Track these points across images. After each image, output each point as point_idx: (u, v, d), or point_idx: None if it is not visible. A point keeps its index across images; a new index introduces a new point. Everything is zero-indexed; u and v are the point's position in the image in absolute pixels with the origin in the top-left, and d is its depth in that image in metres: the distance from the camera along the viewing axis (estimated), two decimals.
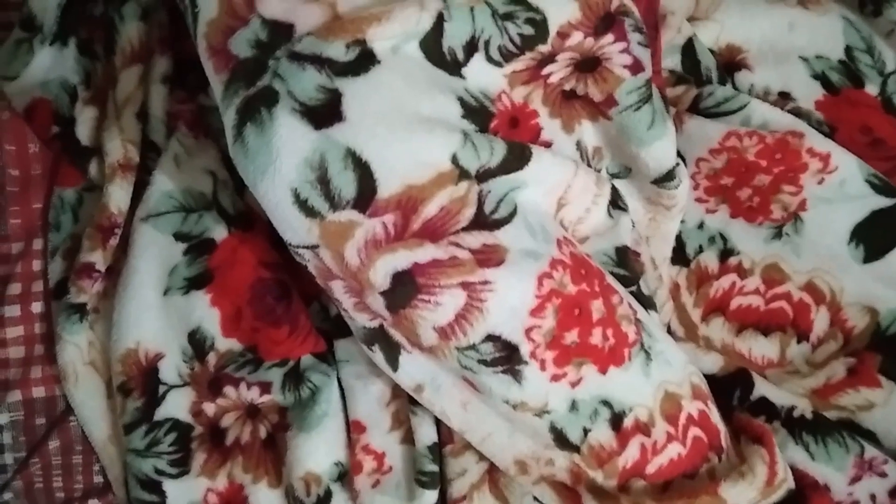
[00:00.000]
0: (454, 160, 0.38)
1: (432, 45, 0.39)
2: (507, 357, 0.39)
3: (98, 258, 0.47)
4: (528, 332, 0.39)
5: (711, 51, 0.55)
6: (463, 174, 0.38)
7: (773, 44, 0.55)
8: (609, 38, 0.42)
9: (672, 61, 0.54)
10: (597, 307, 0.41)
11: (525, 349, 0.39)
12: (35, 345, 0.49)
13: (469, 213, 0.38)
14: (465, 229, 0.38)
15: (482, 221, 0.39)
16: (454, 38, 0.39)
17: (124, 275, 0.47)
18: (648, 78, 0.43)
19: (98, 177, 0.49)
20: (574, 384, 0.40)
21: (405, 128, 0.37)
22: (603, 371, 0.40)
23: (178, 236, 0.47)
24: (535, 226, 0.41)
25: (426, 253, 0.37)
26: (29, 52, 0.50)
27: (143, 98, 0.50)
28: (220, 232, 0.47)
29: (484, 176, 0.39)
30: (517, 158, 0.40)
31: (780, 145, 0.50)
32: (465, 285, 0.38)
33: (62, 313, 0.47)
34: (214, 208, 0.48)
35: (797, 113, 0.52)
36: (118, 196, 0.47)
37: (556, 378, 0.40)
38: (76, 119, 0.50)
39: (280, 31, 0.37)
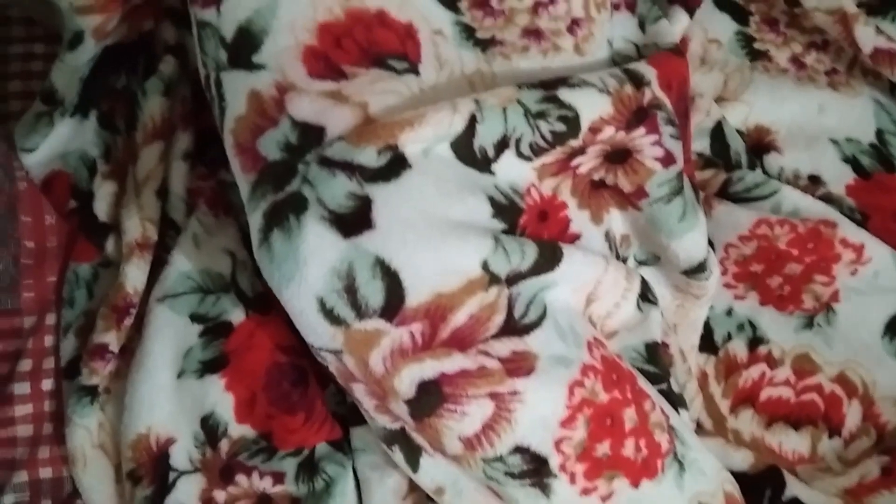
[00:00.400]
0: (485, 266, 0.37)
1: (463, 146, 0.38)
2: (536, 470, 0.37)
3: (112, 339, 0.45)
4: (557, 443, 0.38)
5: (740, 132, 0.54)
6: (493, 280, 0.37)
7: (802, 126, 0.54)
8: (641, 130, 0.41)
9: (701, 144, 0.53)
10: (629, 416, 0.39)
11: (554, 462, 0.37)
12: (44, 423, 0.47)
13: (499, 319, 0.37)
14: (494, 336, 0.37)
15: (512, 327, 0.38)
16: (486, 137, 0.38)
17: (138, 356, 0.45)
18: (680, 170, 0.42)
19: (115, 254, 0.48)
20: (605, 498, 0.38)
21: (435, 235, 0.36)
22: (635, 485, 0.39)
23: (195, 318, 0.46)
24: (566, 327, 0.39)
25: (454, 363, 0.36)
26: (49, 125, 0.49)
27: (164, 174, 0.49)
28: (237, 315, 0.46)
29: (514, 279, 0.38)
30: (548, 260, 0.39)
31: (813, 235, 0.49)
32: (494, 395, 0.37)
33: (73, 395, 0.46)
34: (232, 290, 0.46)
35: (828, 199, 0.51)
36: (134, 276, 0.46)
37: (586, 492, 0.38)
38: (94, 194, 0.49)
39: (310, 134, 0.37)
